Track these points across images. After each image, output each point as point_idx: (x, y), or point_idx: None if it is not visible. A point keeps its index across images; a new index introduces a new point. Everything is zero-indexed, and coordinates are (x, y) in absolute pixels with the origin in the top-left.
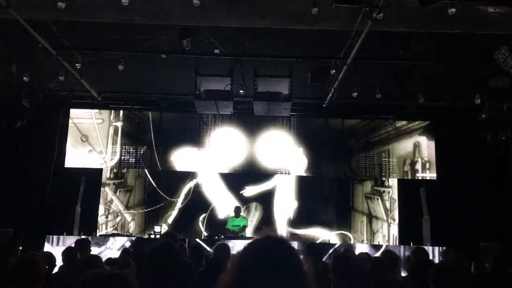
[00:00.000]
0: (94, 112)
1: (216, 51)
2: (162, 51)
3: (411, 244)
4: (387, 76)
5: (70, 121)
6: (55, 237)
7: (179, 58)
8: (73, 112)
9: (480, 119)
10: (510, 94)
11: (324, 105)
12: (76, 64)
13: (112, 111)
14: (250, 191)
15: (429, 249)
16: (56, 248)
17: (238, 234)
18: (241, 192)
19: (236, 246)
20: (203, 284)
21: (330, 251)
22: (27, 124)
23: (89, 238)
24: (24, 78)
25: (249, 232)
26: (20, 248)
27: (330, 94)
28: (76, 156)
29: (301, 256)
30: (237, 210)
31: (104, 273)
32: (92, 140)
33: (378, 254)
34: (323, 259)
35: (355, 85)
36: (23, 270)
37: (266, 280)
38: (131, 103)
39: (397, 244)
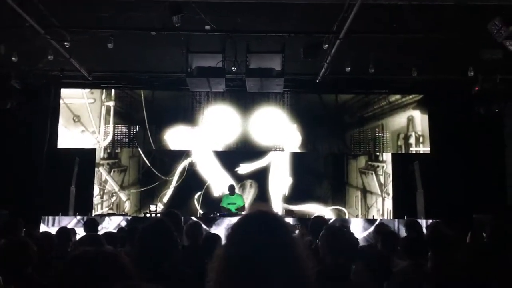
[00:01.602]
0: (85, 92)
1: (207, 27)
2: (152, 28)
3: (405, 217)
4: (381, 50)
5: (61, 101)
6: (50, 218)
7: (170, 35)
8: (64, 92)
9: (474, 92)
10: (503, 66)
11: (317, 81)
12: (65, 43)
13: (104, 90)
14: (244, 168)
15: (422, 222)
16: (51, 228)
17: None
18: (235, 170)
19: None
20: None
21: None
22: (17, 105)
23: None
24: (13, 59)
25: (246, 209)
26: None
27: (323, 69)
28: (69, 137)
29: (296, 231)
30: (231, 188)
31: (94, 251)
32: (84, 120)
33: (372, 228)
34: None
35: (349, 59)
36: (13, 253)
37: (259, 253)
38: (122, 82)
39: (391, 218)
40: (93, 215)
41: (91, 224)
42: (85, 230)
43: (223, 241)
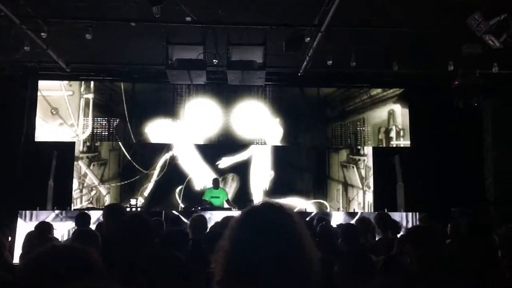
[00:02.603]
0: (63, 84)
1: (188, 18)
2: (132, 19)
3: (385, 210)
4: (362, 44)
5: (38, 93)
6: (28, 212)
7: (150, 26)
8: (42, 84)
9: (453, 86)
10: (482, 61)
11: (299, 74)
12: (42, 34)
13: (83, 82)
14: (226, 162)
15: (402, 215)
16: (29, 223)
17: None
18: (217, 164)
19: (214, 217)
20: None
21: (307, 219)
22: None
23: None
24: None
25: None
26: None
27: (305, 63)
28: (47, 130)
29: (302, 223)
30: (215, 181)
31: (62, 247)
32: (62, 113)
33: (353, 221)
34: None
35: (330, 53)
36: None
37: (265, 245)
38: (102, 74)
39: (372, 211)
40: (72, 209)
41: (82, 219)
42: (76, 225)
43: (229, 232)
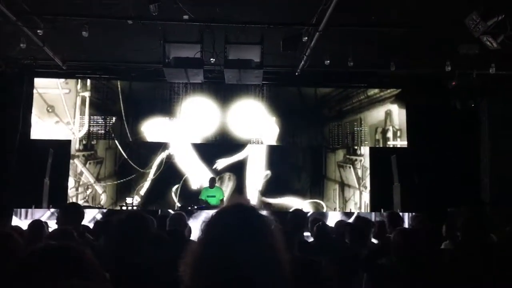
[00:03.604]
0: (60, 81)
1: (185, 17)
2: (129, 17)
3: (382, 210)
4: (359, 44)
5: (34, 91)
6: (23, 210)
7: (147, 24)
8: (38, 81)
9: (450, 87)
10: (479, 61)
11: (296, 73)
12: (38, 31)
13: (79, 80)
14: (221, 164)
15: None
16: (24, 221)
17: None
18: (214, 167)
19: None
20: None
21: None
22: None
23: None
24: None
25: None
26: None
27: (303, 62)
28: (43, 128)
29: (272, 225)
30: (212, 181)
31: (55, 246)
32: (58, 111)
33: (350, 220)
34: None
35: (328, 52)
36: None
37: (235, 247)
38: (98, 72)
39: (368, 211)
40: None
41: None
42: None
43: (199, 234)
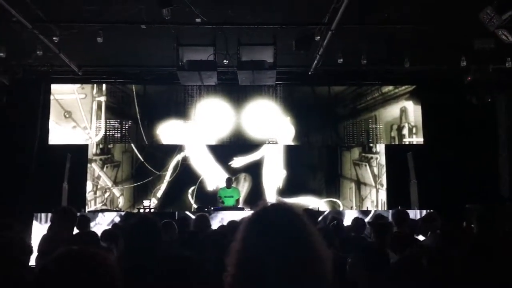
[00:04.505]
0: (76, 87)
1: (198, 20)
2: (142, 22)
3: (399, 208)
4: (373, 41)
5: (51, 97)
6: (43, 215)
7: (160, 28)
8: (55, 88)
9: (466, 82)
10: (495, 56)
11: (309, 73)
12: (54, 38)
13: (95, 85)
14: (238, 162)
15: (416, 212)
16: (44, 225)
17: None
18: (229, 164)
19: (226, 217)
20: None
21: (320, 218)
22: (7, 101)
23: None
24: (1, 54)
25: (240, 202)
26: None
27: (316, 61)
28: (60, 133)
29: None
30: (228, 181)
31: (77, 250)
32: (75, 116)
33: (367, 219)
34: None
35: (341, 51)
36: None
37: (275, 246)
38: (113, 77)
39: (385, 209)
40: (86, 211)
41: (82, 221)
42: (77, 228)
43: (238, 234)
